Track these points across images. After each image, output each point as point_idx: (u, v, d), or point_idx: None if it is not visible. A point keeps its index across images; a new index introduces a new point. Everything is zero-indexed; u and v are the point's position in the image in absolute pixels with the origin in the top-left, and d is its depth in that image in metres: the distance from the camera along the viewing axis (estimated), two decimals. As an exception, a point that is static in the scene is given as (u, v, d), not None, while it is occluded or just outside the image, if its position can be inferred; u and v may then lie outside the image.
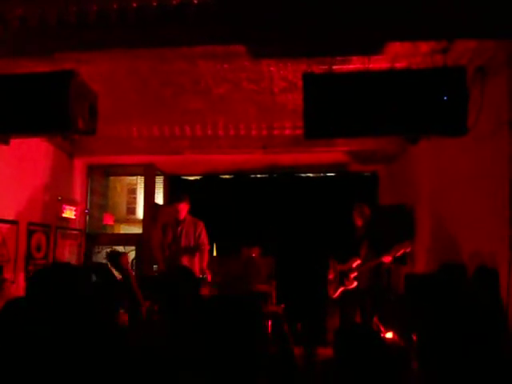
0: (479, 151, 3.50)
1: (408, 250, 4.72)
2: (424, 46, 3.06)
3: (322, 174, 7.13)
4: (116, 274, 4.19)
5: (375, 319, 4.86)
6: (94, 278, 5.51)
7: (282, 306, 4.28)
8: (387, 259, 4.75)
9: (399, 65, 3.38)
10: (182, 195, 5.53)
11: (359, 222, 5.12)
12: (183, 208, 5.39)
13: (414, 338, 3.14)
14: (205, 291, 4.34)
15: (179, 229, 5.45)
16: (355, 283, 4.91)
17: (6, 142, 3.79)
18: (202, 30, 2.97)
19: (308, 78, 3.14)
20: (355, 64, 3.38)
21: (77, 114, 3.11)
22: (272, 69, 3.87)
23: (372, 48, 2.94)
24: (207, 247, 5.43)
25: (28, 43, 3.05)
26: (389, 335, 4.21)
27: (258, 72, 3.94)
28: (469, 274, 3.44)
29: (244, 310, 1.93)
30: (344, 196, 5.96)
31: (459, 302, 2.78)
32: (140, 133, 5.50)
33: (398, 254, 4.70)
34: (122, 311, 4.33)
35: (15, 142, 3.99)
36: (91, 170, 6.63)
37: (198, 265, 5.27)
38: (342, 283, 5.00)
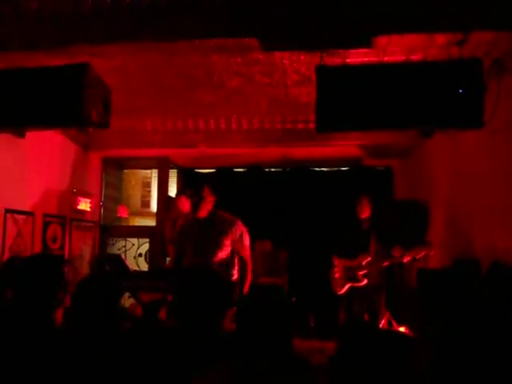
0: (495, 145, 3.45)
1: (431, 253, 4.55)
2: (440, 38, 3.01)
3: (335, 168, 7.09)
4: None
5: (387, 315, 4.81)
6: (107, 267, 5.60)
7: (293, 299, 4.26)
8: (406, 259, 4.61)
9: (415, 57, 3.33)
10: (182, 189, 5.44)
11: (364, 215, 4.96)
12: (184, 202, 5.32)
13: (427, 333, 3.12)
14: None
15: None
16: (365, 281, 4.75)
17: (22, 135, 3.85)
18: (214, 23, 2.96)
19: (321, 70, 3.10)
20: (369, 56, 3.34)
21: (90, 107, 3.13)
22: (285, 62, 3.84)
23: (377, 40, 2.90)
24: None
25: (42, 36, 3.08)
26: (401, 330, 4.18)
27: (271, 65, 3.92)
28: (482, 270, 3.40)
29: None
30: (358, 190, 5.93)
31: (473, 298, 2.75)
32: (154, 126, 5.52)
33: (418, 256, 4.53)
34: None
35: (31, 134, 4.05)
36: (106, 163, 6.68)
37: None
38: (349, 279, 4.82)
